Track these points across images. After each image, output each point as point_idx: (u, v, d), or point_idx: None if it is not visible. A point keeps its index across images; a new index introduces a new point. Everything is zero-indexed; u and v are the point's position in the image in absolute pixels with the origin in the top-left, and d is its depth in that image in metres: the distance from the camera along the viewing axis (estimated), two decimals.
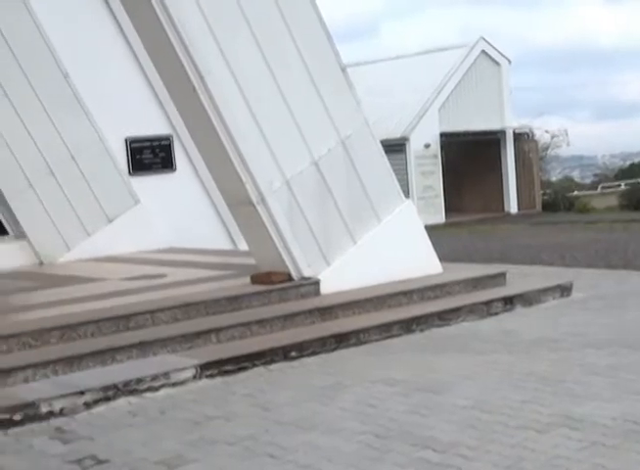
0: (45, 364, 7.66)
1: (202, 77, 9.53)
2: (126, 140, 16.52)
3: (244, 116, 9.74)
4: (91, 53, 15.34)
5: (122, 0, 10.48)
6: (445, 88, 33.76)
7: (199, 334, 8.57)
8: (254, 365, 8.06)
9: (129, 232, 14.90)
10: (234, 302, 9.51)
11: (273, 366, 8.12)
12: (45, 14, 14.29)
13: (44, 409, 6.87)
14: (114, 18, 16.22)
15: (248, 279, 10.26)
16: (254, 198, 9.84)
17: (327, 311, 9.47)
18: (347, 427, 6.17)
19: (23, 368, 7.54)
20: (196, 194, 17.02)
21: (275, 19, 10.01)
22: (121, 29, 16.20)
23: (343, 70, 10.58)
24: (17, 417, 6.73)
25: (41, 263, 14.62)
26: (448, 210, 33.41)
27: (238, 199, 10.09)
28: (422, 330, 9.34)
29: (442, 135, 33.51)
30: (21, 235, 14.91)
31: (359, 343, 8.84)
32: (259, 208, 9.87)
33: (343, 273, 10.20)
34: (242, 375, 7.88)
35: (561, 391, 6.77)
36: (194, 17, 9.49)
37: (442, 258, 11.36)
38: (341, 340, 8.75)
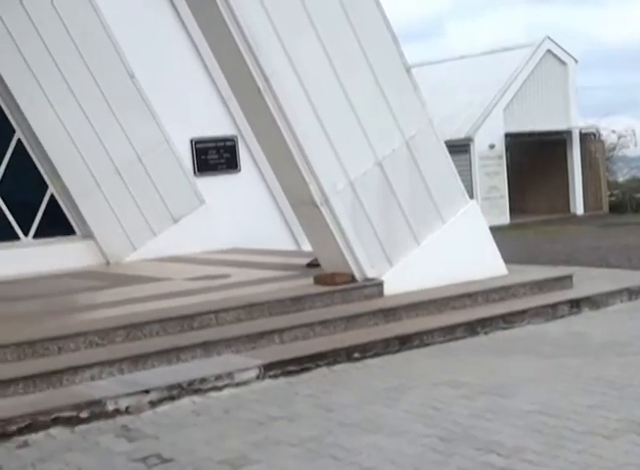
0: (111, 363, 7.76)
1: (266, 78, 9.56)
2: (191, 141, 16.64)
3: (308, 116, 9.75)
4: (155, 52, 15.45)
5: (188, 1, 10.59)
6: (510, 88, 33.38)
7: (262, 334, 8.61)
8: (317, 366, 8.07)
9: (194, 232, 15.02)
10: (297, 302, 9.53)
11: (336, 367, 8.11)
12: (109, 12, 14.41)
13: (110, 407, 6.97)
14: (179, 16, 16.33)
15: (311, 280, 10.28)
16: (318, 199, 9.84)
17: (390, 313, 9.44)
18: (411, 429, 6.13)
19: (90, 366, 7.66)
20: (260, 195, 17.08)
21: (339, 18, 10.01)
22: (186, 29, 16.29)
23: (408, 70, 10.52)
24: (83, 415, 6.83)
25: (108, 263, 14.81)
26: (513, 211, 33.03)
27: (301, 199, 10.11)
28: (486, 332, 9.26)
29: (507, 136, 33.16)
30: (88, 235, 15.11)
31: (423, 345, 8.79)
32: (323, 208, 9.87)
33: (407, 275, 10.15)
34: (305, 376, 7.89)
35: (629, 395, 6.65)
36: (258, 16, 9.53)
37: (507, 259, 11.24)
38: (404, 341, 8.72)
